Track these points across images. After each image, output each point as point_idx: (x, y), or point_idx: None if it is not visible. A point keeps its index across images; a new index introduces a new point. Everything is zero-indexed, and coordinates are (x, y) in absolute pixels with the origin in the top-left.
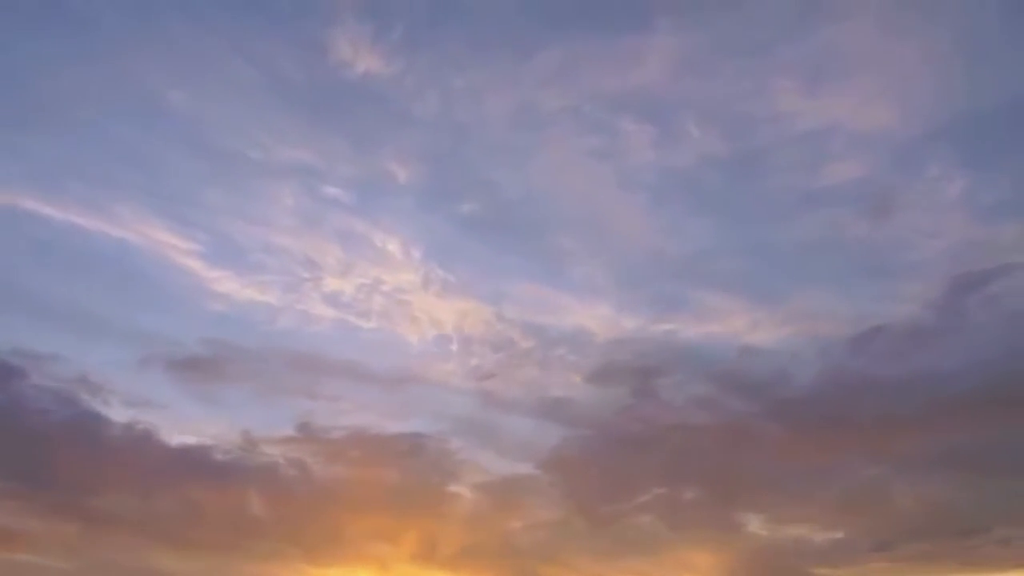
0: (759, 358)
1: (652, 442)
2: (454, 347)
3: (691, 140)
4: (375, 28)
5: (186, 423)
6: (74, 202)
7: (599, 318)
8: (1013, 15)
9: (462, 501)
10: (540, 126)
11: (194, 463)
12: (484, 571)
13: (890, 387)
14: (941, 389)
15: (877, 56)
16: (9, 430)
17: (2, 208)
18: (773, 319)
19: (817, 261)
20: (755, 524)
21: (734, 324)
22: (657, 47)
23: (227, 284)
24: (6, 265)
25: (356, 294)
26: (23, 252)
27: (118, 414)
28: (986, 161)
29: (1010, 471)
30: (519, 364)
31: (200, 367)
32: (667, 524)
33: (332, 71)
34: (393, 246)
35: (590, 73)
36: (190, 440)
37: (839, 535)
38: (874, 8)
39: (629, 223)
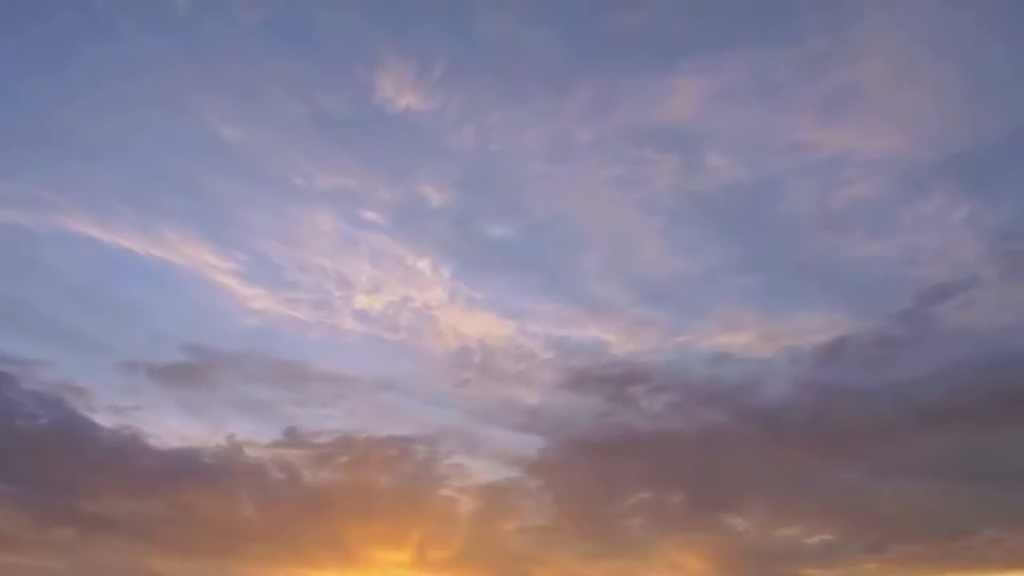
0: (768, 368)
1: (644, 446)
2: (476, 358)
3: (711, 169)
4: (418, 68)
5: (224, 428)
6: (125, 226)
7: (617, 331)
8: (1015, 56)
9: (468, 503)
10: (570, 158)
11: (230, 469)
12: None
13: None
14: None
15: (889, 93)
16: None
17: (57, 231)
18: (782, 333)
19: (825, 279)
20: (744, 526)
21: (744, 338)
22: (683, 87)
23: (262, 301)
24: (56, 285)
25: (385, 310)
26: (72, 272)
27: (158, 418)
28: (989, 188)
29: (989, 477)
30: (537, 373)
31: (233, 374)
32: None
33: (375, 108)
34: (423, 265)
35: (620, 110)
36: (224, 445)
37: (828, 537)
38: (886, 50)
39: (648, 244)
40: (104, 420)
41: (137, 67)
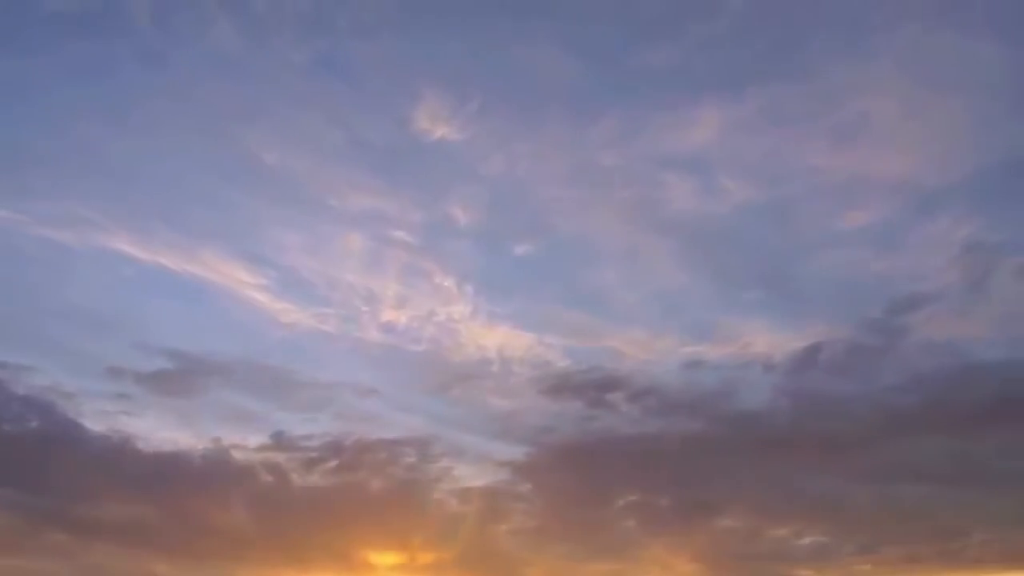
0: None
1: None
2: (495, 368)
3: (728, 192)
4: (454, 103)
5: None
6: (162, 245)
7: (632, 343)
8: (1014, 89)
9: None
10: (594, 183)
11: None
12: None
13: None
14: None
15: (898, 123)
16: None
17: (98, 247)
18: (793, 341)
19: (834, 293)
20: (734, 528)
21: (756, 348)
22: (704, 117)
23: (291, 315)
24: (100, 298)
25: (410, 323)
26: (112, 287)
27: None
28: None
29: (973, 480)
30: (552, 380)
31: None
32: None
33: (412, 137)
34: (449, 282)
35: (643, 138)
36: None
37: (818, 538)
38: (896, 85)
39: (665, 261)
40: (144, 429)
41: (182, 95)
